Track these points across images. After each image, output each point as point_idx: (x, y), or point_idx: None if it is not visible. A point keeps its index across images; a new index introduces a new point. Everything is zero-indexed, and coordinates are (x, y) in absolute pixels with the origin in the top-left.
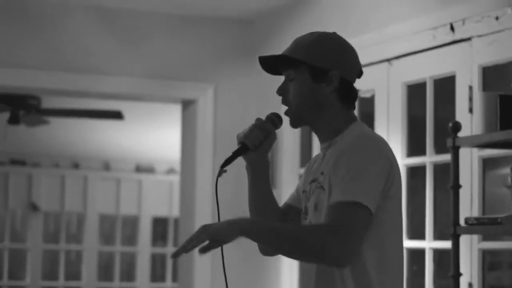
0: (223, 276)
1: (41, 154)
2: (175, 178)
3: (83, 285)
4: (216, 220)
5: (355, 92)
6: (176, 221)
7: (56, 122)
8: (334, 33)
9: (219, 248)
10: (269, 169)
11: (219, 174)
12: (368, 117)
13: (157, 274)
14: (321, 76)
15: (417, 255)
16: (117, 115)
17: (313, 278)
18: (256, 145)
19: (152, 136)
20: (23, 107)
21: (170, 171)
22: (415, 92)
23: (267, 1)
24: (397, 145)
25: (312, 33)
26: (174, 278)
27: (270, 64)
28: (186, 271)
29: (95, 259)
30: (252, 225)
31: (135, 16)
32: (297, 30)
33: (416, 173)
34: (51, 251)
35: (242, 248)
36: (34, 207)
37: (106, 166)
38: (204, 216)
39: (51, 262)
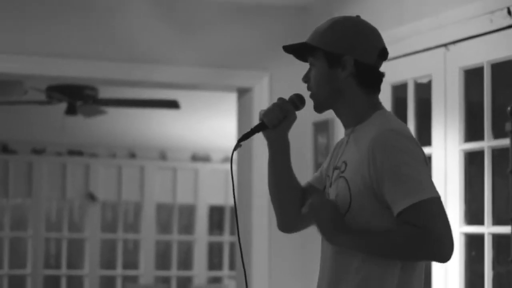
0: (279, 264)
1: (98, 145)
2: None
3: (141, 273)
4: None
5: (376, 75)
6: (233, 209)
7: (113, 112)
8: (352, 17)
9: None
10: (289, 147)
11: (235, 148)
12: (425, 103)
13: (214, 263)
14: (336, 61)
15: (476, 241)
16: (173, 104)
17: (328, 268)
18: (274, 124)
19: (208, 125)
20: (81, 98)
21: (226, 159)
22: (472, 77)
23: None
24: (455, 130)
25: (330, 19)
26: (231, 266)
27: (299, 53)
28: (243, 259)
29: (153, 248)
30: (349, 236)
31: (190, 5)
32: None
33: (474, 158)
34: (109, 240)
35: (300, 237)
36: (91, 197)
37: (163, 156)
38: (260, 204)
39: (109, 251)
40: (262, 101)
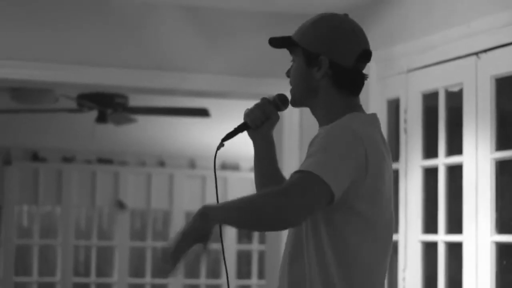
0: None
1: (128, 153)
2: None
3: (170, 282)
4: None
5: (354, 77)
6: None
7: (143, 120)
8: (338, 16)
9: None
10: (274, 147)
11: (218, 148)
12: (456, 111)
13: (242, 271)
14: (313, 60)
15: (507, 250)
16: (203, 113)
17: (285, 273)
18: (257, 124)
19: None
20: (111, 106)
21: None
22: (504, 85)
23: None
24: (486, 139)
25: (317, 15)
26: (260, 275)
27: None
28: (273, 268)
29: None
30: (210, 208)
31: (220, 13)
32: (385, 25)
33: (506, 167)
34: (138, 248)
35: None
36: (121, 205)
37: (192, 164)
38: None
39: (138, 259)
40: (292, 109)
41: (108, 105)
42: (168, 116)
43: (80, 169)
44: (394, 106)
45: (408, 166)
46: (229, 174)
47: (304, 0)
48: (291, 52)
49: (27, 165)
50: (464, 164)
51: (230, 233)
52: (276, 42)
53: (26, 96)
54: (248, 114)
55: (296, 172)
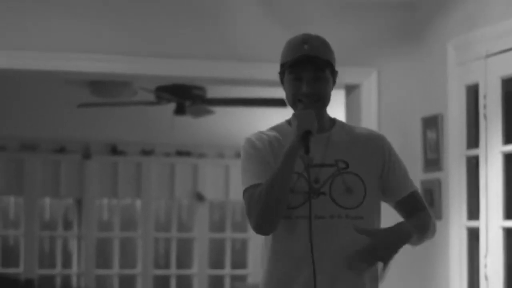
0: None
1: (206, 145)
2: None
3: (249, 273)
4: None
5: None
6: None
7: (220, 112)
8: None
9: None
10: None
11: (307, 160)
12: None
13: None
14: (335, 75)
15: None
16: (281, 103)
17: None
18: (317, 129)
19: None
20: (189, 98)
21: None
22: None
23: None
24: None
25: (317, 35)
26: None
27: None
28: None
29: (261, 247)
30: None
31: (297, 2)
32: (463, 10)
33: None
34: (217, 239)
35: (410, 255)
36: (199, 197)
37: None
38: None
39: (217, 251)
40: (370, 98)
41: (186, 97)
42: (245, 106)
43: (159, 162)
44: (473, 92)
45: (488, 152)
46: None
47: None
48: (317, 70)
49: (106, 158)
50: None
51: None
52: (313, 66)
53: (105, 90)
54: (309, 123)
55: (412, 195)
